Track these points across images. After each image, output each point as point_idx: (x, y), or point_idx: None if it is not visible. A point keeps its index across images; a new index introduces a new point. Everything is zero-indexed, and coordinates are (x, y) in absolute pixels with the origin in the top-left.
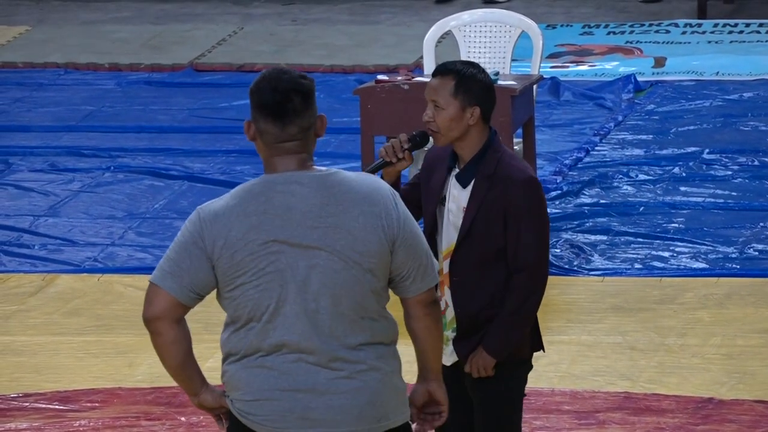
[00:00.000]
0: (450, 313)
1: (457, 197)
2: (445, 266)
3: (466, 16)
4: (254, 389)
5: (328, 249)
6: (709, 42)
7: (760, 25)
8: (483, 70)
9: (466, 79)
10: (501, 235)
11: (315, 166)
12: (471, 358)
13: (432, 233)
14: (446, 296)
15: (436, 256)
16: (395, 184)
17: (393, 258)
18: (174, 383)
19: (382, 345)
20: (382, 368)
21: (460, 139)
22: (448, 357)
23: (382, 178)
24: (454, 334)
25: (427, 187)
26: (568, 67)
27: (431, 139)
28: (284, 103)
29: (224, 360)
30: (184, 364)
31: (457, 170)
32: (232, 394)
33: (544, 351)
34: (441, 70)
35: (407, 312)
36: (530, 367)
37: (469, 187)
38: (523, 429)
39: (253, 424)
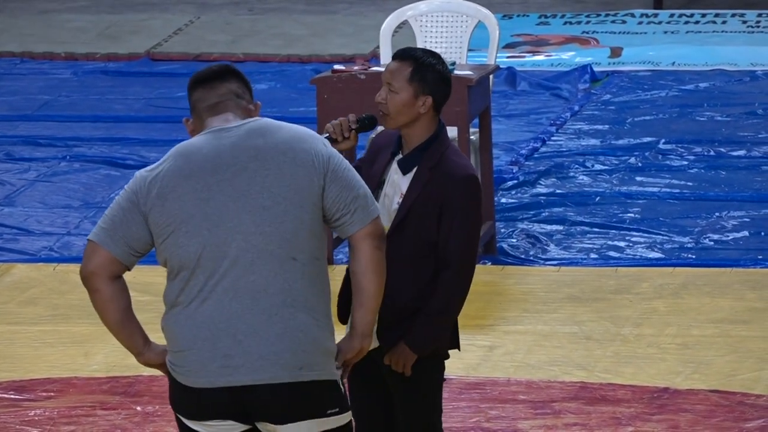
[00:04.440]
0: None
1: (395, 182)
2: None
3: (423, 5)
4: None
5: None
6: (666, 32)
7: (716, 15)
8: (443, 62)
9: (424, 68)
10: (434, 229)
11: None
12: (392, 352)
13: None
14: None
15: None
16: None
17: (326, 193)
18: (131, 373)
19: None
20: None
21: (408, 125)
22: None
23: None
24: None
25: (370, 170)
26: (524, 57)
27: (378, 125)
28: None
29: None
30: (123, 322)
31: (400, 156)
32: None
33: (459, 350)
34: (401, 55)
35: (354, 254)
36: (447, 357)
37: (410, 175)
38: (479, 418)
39: None
